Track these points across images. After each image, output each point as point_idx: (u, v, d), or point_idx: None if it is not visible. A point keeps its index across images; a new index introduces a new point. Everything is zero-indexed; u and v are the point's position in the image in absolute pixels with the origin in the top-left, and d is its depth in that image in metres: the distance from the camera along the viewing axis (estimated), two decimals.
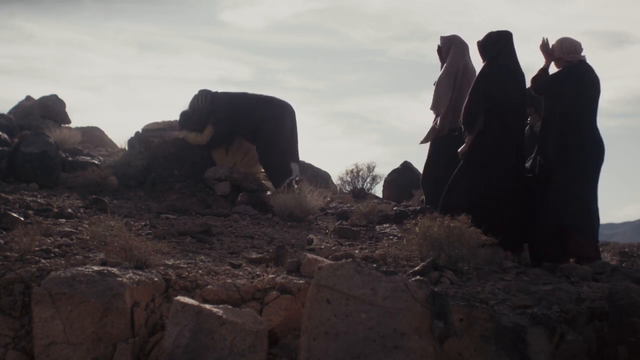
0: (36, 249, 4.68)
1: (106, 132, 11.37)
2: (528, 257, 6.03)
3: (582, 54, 6.03)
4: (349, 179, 9.50)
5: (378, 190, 9.63)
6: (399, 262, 5.05)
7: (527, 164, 6.18)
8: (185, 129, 8.24)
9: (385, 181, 9.70)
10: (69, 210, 6.14)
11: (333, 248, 5.52)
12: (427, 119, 7.37)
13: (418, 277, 4.32)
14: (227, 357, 3.76)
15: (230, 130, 8.09)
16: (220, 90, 8.36)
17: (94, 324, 3.95)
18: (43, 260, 4.47)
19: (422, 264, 4.78)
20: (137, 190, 7.69)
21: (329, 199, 8.01)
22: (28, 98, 11.50)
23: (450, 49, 7.36)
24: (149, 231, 5.71)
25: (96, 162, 8.26)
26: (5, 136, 8.44)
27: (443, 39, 7.46)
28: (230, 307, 4.02)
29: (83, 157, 8.50)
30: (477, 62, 6.65)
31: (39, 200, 6.43)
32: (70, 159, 8.18)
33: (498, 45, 6.15)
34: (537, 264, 5.64)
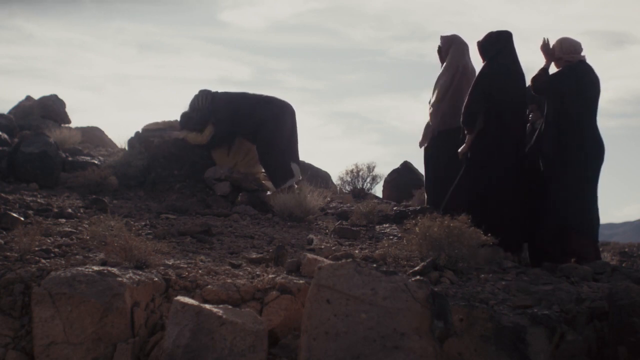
0: (36, 249, 4.68)
1: (106, 132, 11.39)
2: (528, 257, 6.03)
3: (582, 54, 6.03)
4: (349, 179, 9.50)
5: (378, 190, 9.64)
6: (399, 262, 5.05)
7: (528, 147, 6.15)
8: (186, 129, 8.24)
9: (385, 181, 9.69)
10: (69, 210, 6.14)
11: (333, 248, 5.52)
12: (427, 119, 7.37)
13: (418, 277, 4.32)
14: (227, 357, 3.76)
15: (230, 130, 8.09)
16: (220, 90, 8.36)
17: (94, 324, 3.95)
18: (43, 260, 4.47)
19: (422, 264, 4.77)
20: (137, 190, 7.69)
21: (329, 199, 8.00)
22: (28, 98, 11.49)
23: (450, 48, 7.34)
24: (149, 231, 5.71)
25: (96, 162, 8.26)
26: (5, 136, 8.44)
27: (443, 38, 7.45)
28: (230, 307, 4.01)
29: (83, 157, 8.50)
30: (477, 62, 6.65)
31: (39, 200, 6.43)
32: (70, 159, 8.18)
33: (498, 45, 6.15)
34: (537, 264, 5.64)
